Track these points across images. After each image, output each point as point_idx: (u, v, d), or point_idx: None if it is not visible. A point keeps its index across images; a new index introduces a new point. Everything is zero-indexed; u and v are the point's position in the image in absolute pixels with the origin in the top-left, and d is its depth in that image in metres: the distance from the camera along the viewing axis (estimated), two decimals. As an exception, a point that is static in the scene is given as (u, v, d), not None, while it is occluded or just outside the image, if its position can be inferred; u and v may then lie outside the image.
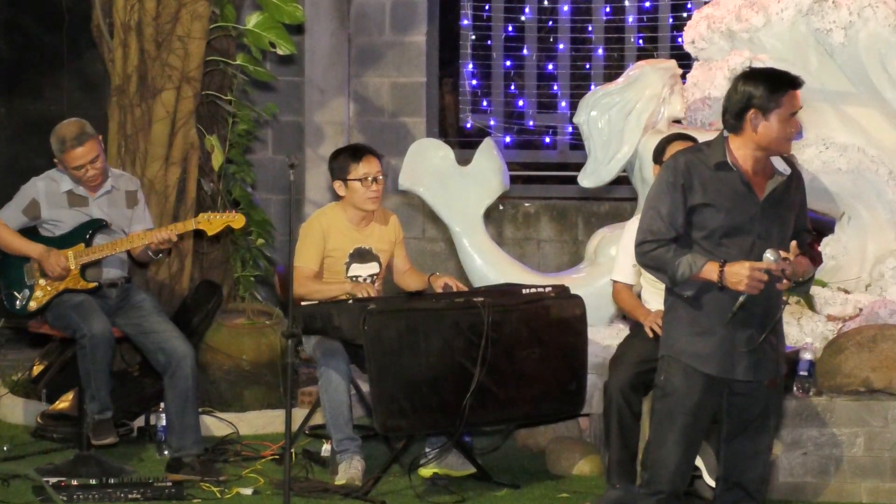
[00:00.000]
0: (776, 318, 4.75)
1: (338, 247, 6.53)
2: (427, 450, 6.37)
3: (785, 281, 4.68)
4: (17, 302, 6.49)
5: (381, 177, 6.55)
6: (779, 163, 4.81)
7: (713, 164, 4.72)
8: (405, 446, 6.33)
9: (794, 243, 4.72)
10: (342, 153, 6.65)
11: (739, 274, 4.61)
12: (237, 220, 6.53)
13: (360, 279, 6.53)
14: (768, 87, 4.68)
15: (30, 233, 6.55)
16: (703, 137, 6.85)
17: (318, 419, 7.03)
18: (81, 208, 6.53)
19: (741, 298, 4.65)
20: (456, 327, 6.06)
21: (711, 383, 4.79)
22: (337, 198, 6.67)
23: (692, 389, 4.78)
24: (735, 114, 4.73)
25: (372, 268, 6.59)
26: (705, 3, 7.33)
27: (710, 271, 4.65)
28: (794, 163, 4.91)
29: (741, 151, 4.74)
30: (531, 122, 9.87)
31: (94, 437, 6.33)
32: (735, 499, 4.93)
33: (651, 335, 5.93)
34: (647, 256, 4.75)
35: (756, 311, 4.72)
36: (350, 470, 6.24)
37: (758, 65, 5.00)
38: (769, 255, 4.63)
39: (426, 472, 6.31)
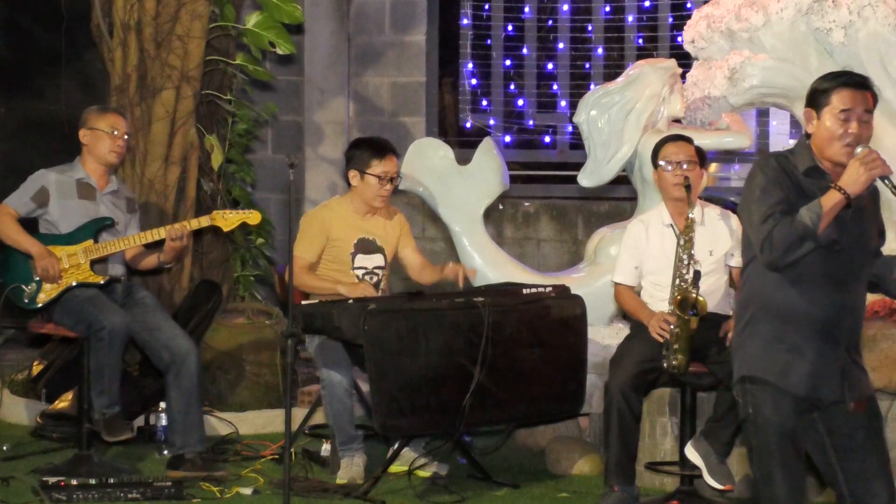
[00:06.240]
0: (859, 331, 4.39)
1: (341, 237, 6.52)
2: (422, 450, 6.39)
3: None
4: (25, 296, 6.36)
5: (395, 177, 6.55)
6: None
7: (802, 170, 4.34)
8: (404, 446, 6.33)
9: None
10: (366, 144, 6.60)
11: (854, 168, 4.21)
12: (253, 217, 6.50)
13: (366, 271, 6.54)
14: (821, 83, 4.35)
15: (29, 229, 6.47)
16: (703, 137, 6.89)
17: (317, 419, 7.03)
18: (89, 201, 6.50)
19: (886, 182, 4.22)
20: (456, 327, 6.05)
21: (800, 405, 4.37)
22: (339, 190, 6.66)
23: (785, 417, 4.35)
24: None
25: (377, 259, 6.58)
26: (705, 2, 7.33)
27: (832, 196, 4.20)
28: None
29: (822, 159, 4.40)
30: (531, 122, 9.87)
31: (109, 435, 6.25)
32: None
33: (661, 341, 5.86)
34: (774, 244, 4.23)
35: (845, 325, 4.34)
36: (352, 468, 6.25)
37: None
38: (860, 149, 4.25)
39: (424, 472, 6.33)
